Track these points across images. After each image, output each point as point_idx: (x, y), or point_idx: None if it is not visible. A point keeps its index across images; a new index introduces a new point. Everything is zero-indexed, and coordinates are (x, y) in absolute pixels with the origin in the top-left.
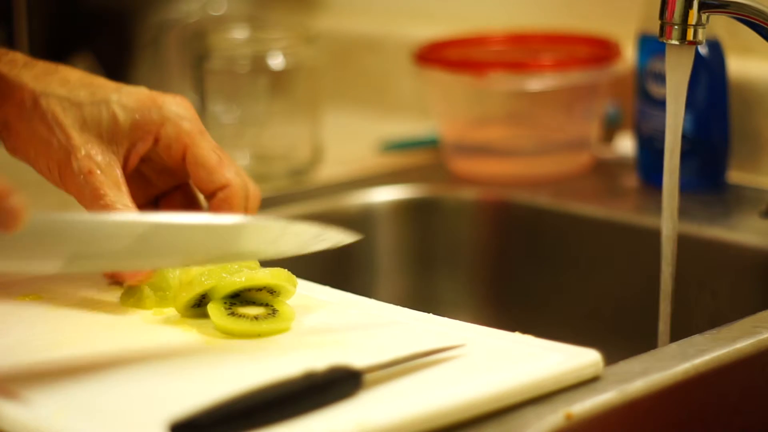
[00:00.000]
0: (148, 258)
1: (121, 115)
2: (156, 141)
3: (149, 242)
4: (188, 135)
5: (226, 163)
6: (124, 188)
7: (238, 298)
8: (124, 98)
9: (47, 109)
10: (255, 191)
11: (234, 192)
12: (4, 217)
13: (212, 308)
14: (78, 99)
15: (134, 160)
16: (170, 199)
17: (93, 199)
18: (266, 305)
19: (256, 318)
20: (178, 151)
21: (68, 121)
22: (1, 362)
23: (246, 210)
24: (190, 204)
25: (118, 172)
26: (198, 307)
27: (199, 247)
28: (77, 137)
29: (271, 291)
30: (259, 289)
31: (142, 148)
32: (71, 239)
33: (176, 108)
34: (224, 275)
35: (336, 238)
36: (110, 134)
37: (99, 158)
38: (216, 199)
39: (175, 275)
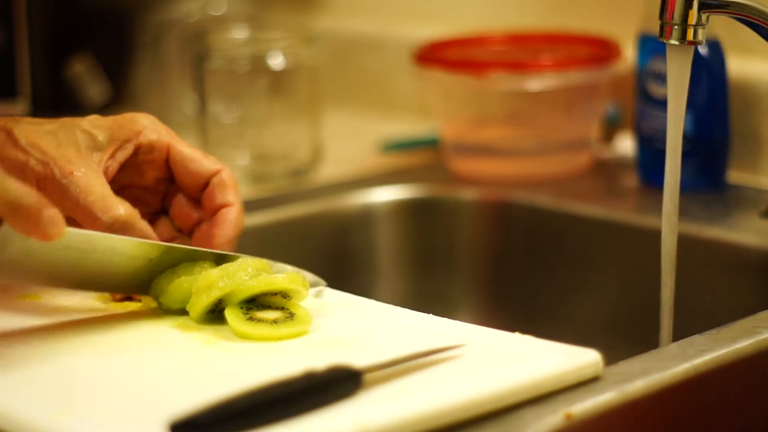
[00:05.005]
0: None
1: (97, 132)
2: (137, 148)
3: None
4: (168, 135)
5: (209, 156)
6: (108, 187)
7: (254, 303)
8: (95, 121)
9: (20, 136)
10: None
11: (228, 174)
12: (47, 224)
13: (230, 313)
14: (50, 129)
15: (113, 170)
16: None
17: (78, 197)
18: (282, 309)
19: (275, 322)
20: (161, 153)
21: (44, 142)
22: (0, 362)
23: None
24: (172, 228)
25: (100, 174)
26: (212, 312)
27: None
28: (54, 151)
29: (285, 295)
30: (274, 294)
31: (121, 156)
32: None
33: (148, 120)
34: (245, 278)
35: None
36: (88, 148)
37: (78, 164)
38: (210, 186)
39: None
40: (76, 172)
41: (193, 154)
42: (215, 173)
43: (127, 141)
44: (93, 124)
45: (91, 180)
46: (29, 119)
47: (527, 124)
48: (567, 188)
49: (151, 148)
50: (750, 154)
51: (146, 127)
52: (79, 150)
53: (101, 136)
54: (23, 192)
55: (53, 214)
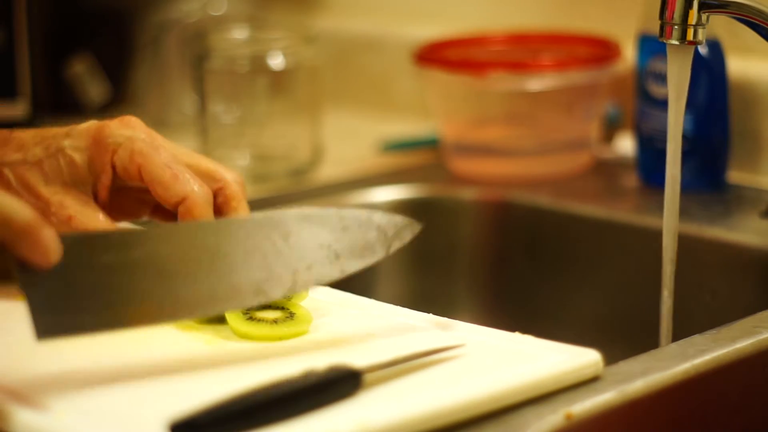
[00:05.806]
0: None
1: (77, 158)
2: (114, 169)
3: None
4: (140, 155)
5: (181, 178)
6: (107, 219)
7: None
8: (76, 141)
9: (11, 177)
10: (237, 192)
11: (192, 203)
12: (39, 250)
13: (230, 313)
14: (36, 158)
15: (104, 193)
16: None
17: None
18: (282, 308)
19: (275, 322)
20: (134, 173)
21: (33, 180)
22: (0, 362)
23: (235, 210)
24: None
25: (95, 207)
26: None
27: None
28: (45, 192)
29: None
30: None
31: (105, 180)
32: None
33: (125, 131)
34: None
35: (403, 227)
36: (73, 178)
37: (72, 204)
38: (179, 212)
39: None
40: (74, 214)
41: (161, 177)
42: (181, 201)
43: (105, 163)
44: (74, 145)
45: (91, 220)
46: (16, 144)
47: (527, 124)
48: (567, 188)
49: (125, 171)
50: (750, 154)
51: (120, 145)
52: (66, 184)
53: (83, 162)
54: (17, 207)
55: (46, 235)
